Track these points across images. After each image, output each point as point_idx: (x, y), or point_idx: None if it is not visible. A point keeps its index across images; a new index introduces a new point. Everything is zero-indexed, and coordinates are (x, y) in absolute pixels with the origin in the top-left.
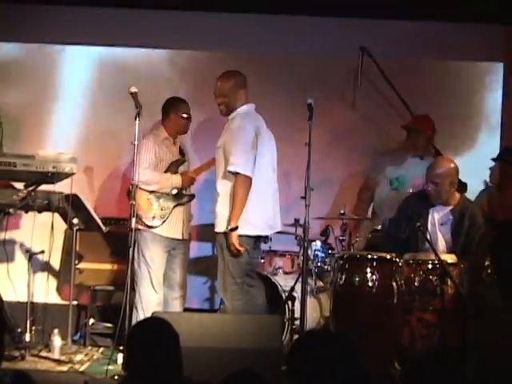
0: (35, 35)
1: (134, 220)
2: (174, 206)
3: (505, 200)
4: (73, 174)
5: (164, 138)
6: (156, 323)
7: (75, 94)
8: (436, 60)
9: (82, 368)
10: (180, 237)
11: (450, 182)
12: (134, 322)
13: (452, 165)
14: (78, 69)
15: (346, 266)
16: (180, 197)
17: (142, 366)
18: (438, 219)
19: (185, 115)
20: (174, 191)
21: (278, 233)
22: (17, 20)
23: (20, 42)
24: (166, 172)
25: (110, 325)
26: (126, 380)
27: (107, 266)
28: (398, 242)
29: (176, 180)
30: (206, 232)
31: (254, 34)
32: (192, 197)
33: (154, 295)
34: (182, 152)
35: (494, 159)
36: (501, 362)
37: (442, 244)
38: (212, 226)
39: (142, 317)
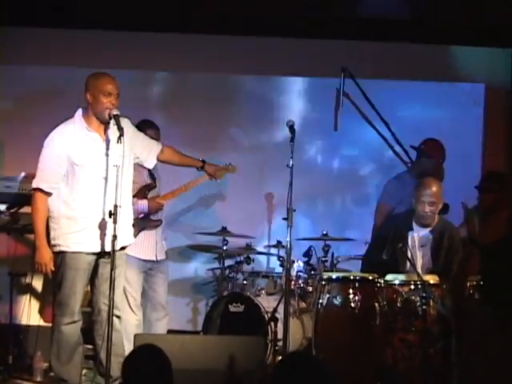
0: None
1: (116, 242)
2: (140, 230)
3: (492, 224)
4: None
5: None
6: (150, 351)
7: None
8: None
9: None
10: (154, 258)
11: (441, 200)
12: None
13: (439, 183)
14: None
15: (329, 287)
16: (146, 222)
17: None
18: (417, 241)
19: None
20: (140, 215)
21: (261, 254)
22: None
23: None
24: (134, 196)
25: (90, 346)
26: None
27: (87, 288)
28: (377, 266)
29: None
30: (185, 253)
31: (240, 56)
32: (159, 222)
33: (132, 316)
34: (152, 176)
35: (476, 188)
36: None
37: (420, 265)
38: (194, 246)
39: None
